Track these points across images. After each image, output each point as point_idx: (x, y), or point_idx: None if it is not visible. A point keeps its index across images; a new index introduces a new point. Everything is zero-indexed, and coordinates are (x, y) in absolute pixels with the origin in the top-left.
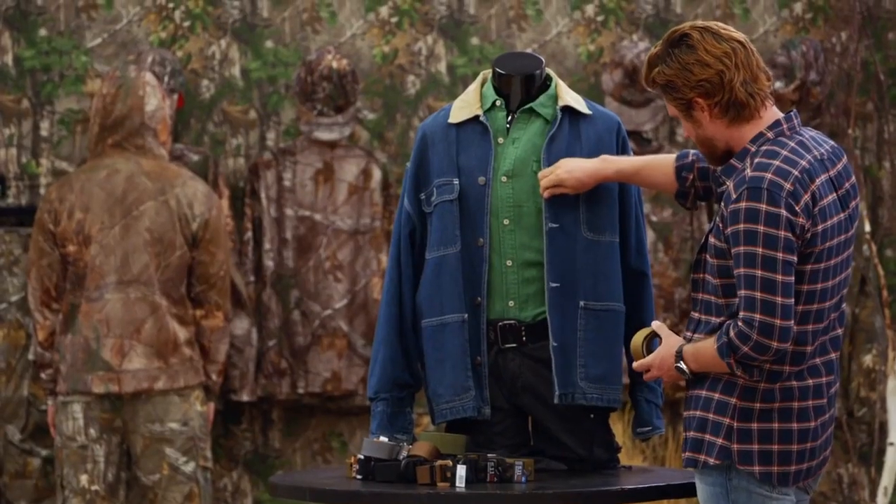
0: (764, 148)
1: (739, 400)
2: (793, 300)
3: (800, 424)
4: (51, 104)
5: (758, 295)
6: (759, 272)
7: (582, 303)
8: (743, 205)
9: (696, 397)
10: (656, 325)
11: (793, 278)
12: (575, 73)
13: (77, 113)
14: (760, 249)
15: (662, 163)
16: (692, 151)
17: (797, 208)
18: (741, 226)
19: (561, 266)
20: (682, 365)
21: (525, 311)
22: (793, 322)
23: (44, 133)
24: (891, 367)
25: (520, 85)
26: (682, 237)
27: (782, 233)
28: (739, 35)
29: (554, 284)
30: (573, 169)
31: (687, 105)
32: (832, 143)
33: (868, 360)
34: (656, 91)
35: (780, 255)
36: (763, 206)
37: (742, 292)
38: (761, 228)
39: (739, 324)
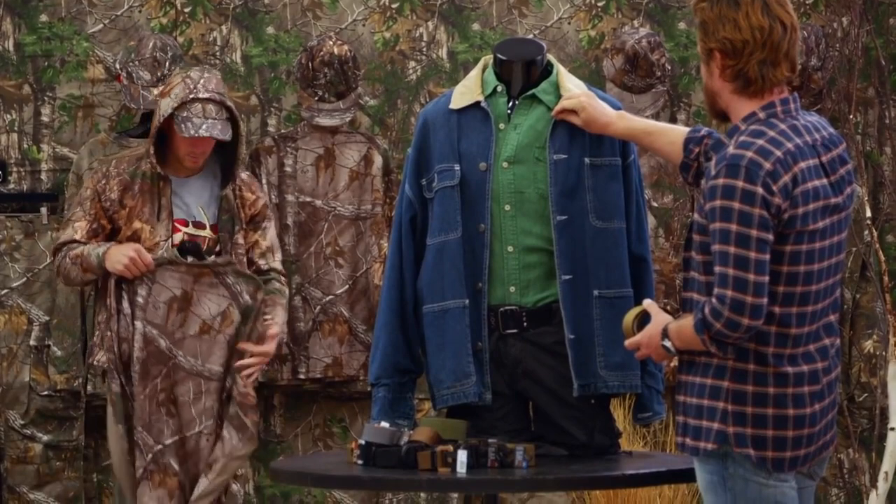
0: (752, 128)
1: (731, 383)
2: (766, 278)
3: (796, 410)
4: (52, 90)
5: (730, 271)
6: (732, 249)
7: (596, 292)
8: (721, 181)
9: (690, 384)
10: (647, 303)
11: (767, 256)
12: (576, 59)
13: (78, 99)
14: (734, 226)
15: (673, 132)
16: (706, 128)
17: (774, 188)
18: (718, 202)
19: (572, 257)
20: (668, 343)
21: (526, 296)
22: (765, 300)
23: (45, 119)
24: (891, 352)
25: (521, 71)
26: (683, 223)
27: (757, 210)
28: (790, 17)
29: (566, 277)
30: (595, 108)
31: (707, 52)
32: (832, 130)
33: (869, 345)
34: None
35: (754, 232)
36: (740, 183)
37: (716, 268)
38: (736, 205)
39: (713, 300)
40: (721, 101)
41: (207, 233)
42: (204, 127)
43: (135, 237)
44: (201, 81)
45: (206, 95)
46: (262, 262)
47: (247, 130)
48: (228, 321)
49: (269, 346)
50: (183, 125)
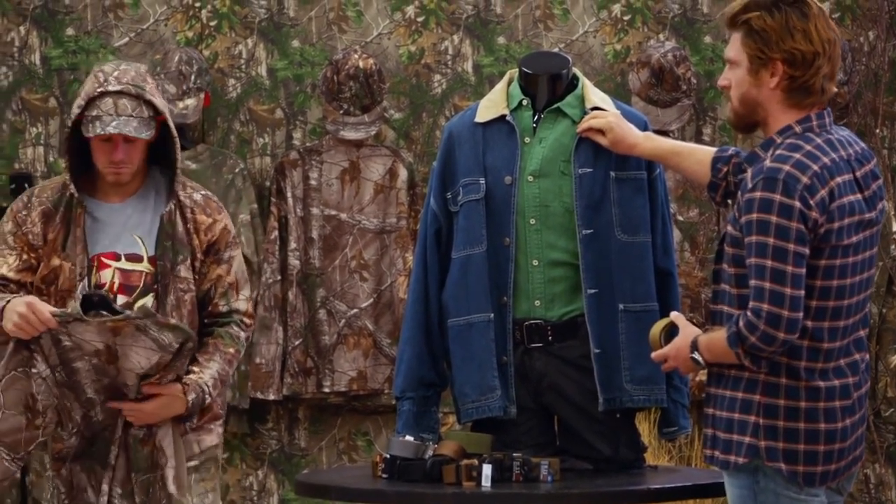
0: (788, 141)
1: (763, 396)
2: (803, 292)
3: (827, 425)
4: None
5: (767, 285)
6: (769, 262)
7: (621, 306)
8: (758, 194)
9: (720, 397)
10: (674, 315)
11: (804, 270)
12: (601, 73)
13: None
14: (772, 240)
15: (700, 152)
16: (733, 147)
17: (812, 202)
18: (754, 215)
19: (597, 271)
20: (697, 356)
21: (551, 310)
22: (801, 314)
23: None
24: None
25: (546, 84)
26: (709, 237)
27: (795, 224)
28: (837, 32)
29: (592, 291)
30: (622, 128)
31: (763, 61)
32: (863, 145)
33: (895, 360)
34: (735, 30)
35: (791, 246)
36: (777, 197)
37: (752, 282)
38: (774, 219)
39: (748, 314)
40: (762, 112)
41: (145, 266)
42: (113, 124)
43: (52, 276)
44: (115, 73)
45: (118, 88)
46: (221, 303)
47: (272, 144)
48: (160, 369)
49: (149, 405)
50: (90, 125)
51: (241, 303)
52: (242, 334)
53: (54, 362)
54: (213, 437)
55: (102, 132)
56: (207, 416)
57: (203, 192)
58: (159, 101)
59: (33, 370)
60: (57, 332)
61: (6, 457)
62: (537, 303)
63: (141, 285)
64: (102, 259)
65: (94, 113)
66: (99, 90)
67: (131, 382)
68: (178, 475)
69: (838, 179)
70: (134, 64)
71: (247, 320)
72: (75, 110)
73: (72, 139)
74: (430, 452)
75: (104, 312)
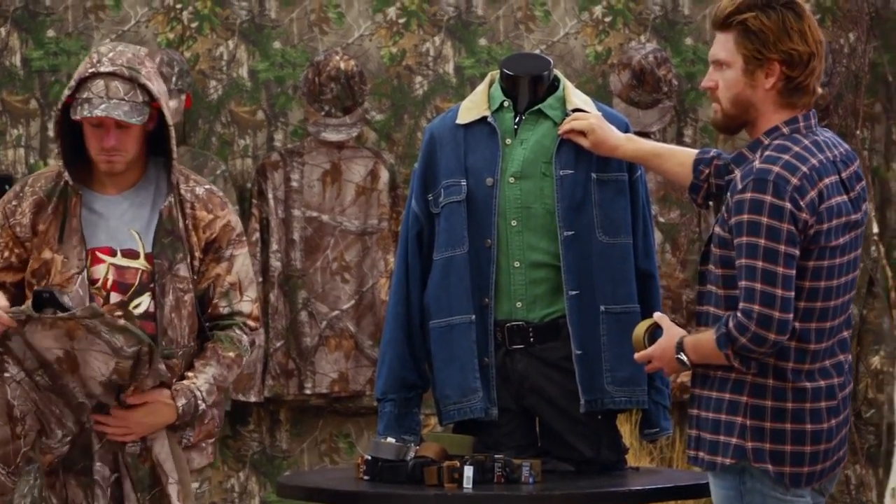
0: (776, 142)
1: (750, 398)
2: (793, 293)
3: (813, 426)
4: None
5: (758, 286)
6: (760, 263)
7: (602, 307)
8: (748, 196)
9: (705, 398)
10: (658, 316)
11: (794, 272)
12: (583, 74)
13: None
14: (763, 241)
15: (682, 153)
16: (714, 149)
17: (802, 203)
18: (745, 216)
19: (578, 273)
20: (683, 356)
21: (533, 312)
22: (792, 315)
23: (52, 134)
24: None
25: (528, 86)
26: (690, 238)
27: (785, 226)
28: None
29: (573, 292)
30: (604, 130)
31: (759, 62)
32: (846, 146)
33: (876, 361)
34: (726, 31)
35: (782, 247)
36: (768, 198)
37: (742, 283)
38: (765, 220)
39: (738, 315)
40: (753, 113)
41: (141, 263)
42: (102, 107)
43: (43, 270)
44: (110, 54)
45: (111, 69)
46: (222, 304)
47: (253, 145)
48: (125, 377)
49: (134, 414)
50: (78, 107)
51: (245, 304)
52: (245, 338)
53: (32, 366)
54: (203, 457)
55: (90, 115)
56: (203, 433)
57: (207, 187)
58: (155, 87)
59: (6, 374)
60: (16, 332)
61: (2, 471)
62: (519, 304)
63: (136, 283)
64: (97, 253)
65: (84, 95)
66: (91, 71)
67: (98, 392)
68: (183, 490)
69: (826, 181)
70: (133, 46)
71: (251, 323)
72: (66, 92)
73: (63, 123)
74: (411, 454)
75: (57, 311)
